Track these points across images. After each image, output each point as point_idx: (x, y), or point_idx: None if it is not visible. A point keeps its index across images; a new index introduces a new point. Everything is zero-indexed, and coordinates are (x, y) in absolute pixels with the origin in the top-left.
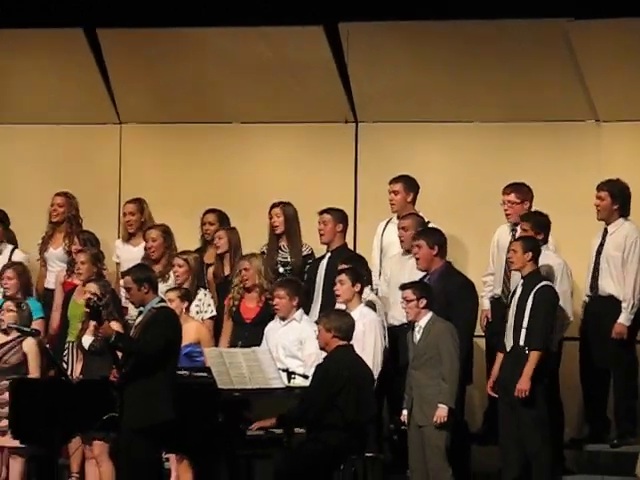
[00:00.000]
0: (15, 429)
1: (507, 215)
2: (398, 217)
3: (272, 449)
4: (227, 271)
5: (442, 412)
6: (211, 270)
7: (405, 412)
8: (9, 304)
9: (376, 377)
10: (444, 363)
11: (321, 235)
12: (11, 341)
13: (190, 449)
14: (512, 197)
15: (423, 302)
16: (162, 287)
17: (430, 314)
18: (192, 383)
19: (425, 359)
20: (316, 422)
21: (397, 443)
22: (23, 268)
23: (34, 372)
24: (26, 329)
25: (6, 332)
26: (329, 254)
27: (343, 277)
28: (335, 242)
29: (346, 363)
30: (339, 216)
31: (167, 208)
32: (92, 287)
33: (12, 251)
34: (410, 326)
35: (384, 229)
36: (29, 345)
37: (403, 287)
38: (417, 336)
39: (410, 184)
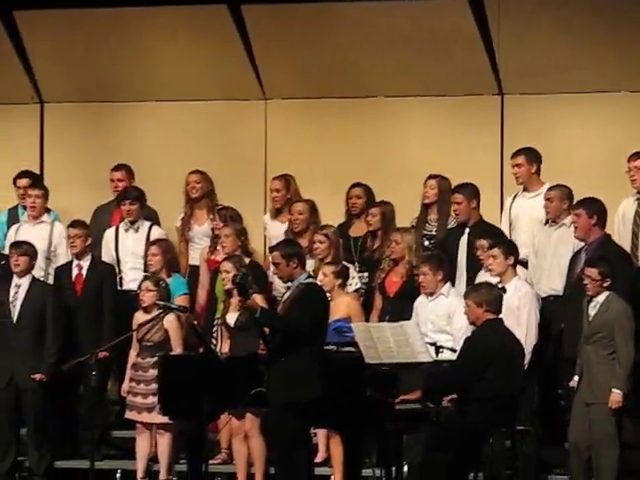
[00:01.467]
0: (164, 406)
1: (632, 181)
2: (524, 190)
3: (421, 423)
4: (377, 245)
5: (617, 397)
6: (358, 244)
7: (576, 378)
8: (148, 284)
9: (530, 350)
10: (619, 347)
11: (456, 215)
12: (153, 319)
13: (339, 424)
14: (638, 163)
15: (607, 282)
16: (308, 263)
17: (609, 292)
18: (340, 358)
19: (598, 337)
20: (465, 395)
21: (554, 414)
22: (167, 244)
23: (177, 348)
24: (174, 306)
25: (147, 310)
26: (468, 229)
27: (496, 251)
28: (472, 218)
29: (496, 336)
30: (470, 192)
31: (312, 183)
32: (227, 266)
33: (150, 228)
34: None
35: (511, 203)
36: (170, 322)
37: (590, 265)
38: (592, 312)
39: (532, 156)
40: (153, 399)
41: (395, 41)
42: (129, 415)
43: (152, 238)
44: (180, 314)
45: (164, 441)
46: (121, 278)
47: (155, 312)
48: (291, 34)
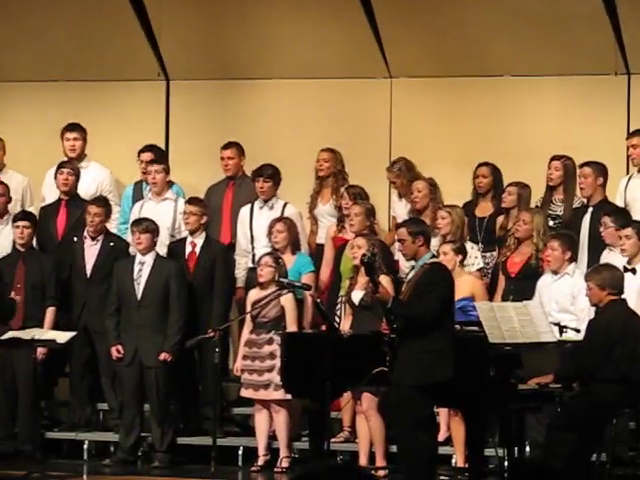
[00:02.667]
0: (287, 383)
1: None
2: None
3: (543, 402)
4: (509, 225)
5: None
6: (484, 224)
7: None
8: (267, 259)
9: None
10: None
11: (582, 189)
12: (269, 295)
13: (462, 404)
14: None
15: None
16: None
17: None
18: (464, 337)
19: None
20: (589, 376)
21: None
22: (292, 222)
23: (291, 326)
24: (297, 283)
25: (263, 286)
26: (591, 208)
27: (629, 231)
28: (596, 196)
29: (620, 317)
30: (599, 169)
31: (437, 162)
32: (360, 241)
33: (284, 206)
34: None
35: (626, 185)
36: (287, 299)
37: None
38: None
39: None
40: (268, 376)
41: (521, 20)
42: (245, 393)
43: (286, 216)
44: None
45: (280, 418)
46: (254, 255)
47: (271, 289)
48: (417, 12)
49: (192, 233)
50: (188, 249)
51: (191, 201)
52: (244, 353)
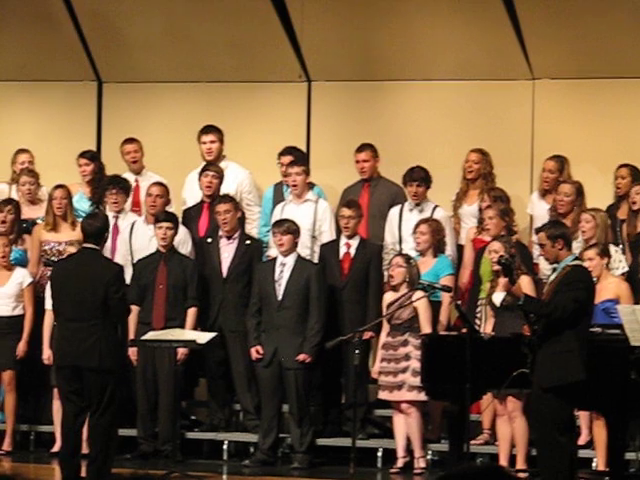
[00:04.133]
0: (426, 385)
1: None
2: None
3: None
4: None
5: None
6: (625, 227)
7: None
8: (398, 260)
9: None
10: None
11: None
12: (401, 297)
13: (603, 407)
14: None
15: None
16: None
17: None
18: (604, 340)
19: None
20: None
21: None
22: (437, 224)
23: (425, 327)
24: (438, 285)
25: (395, 289)
26: None
27: None
28: None
29: None
30: None
31: (581, 164)
32: (496, 246)
33: (434, 209)
34: None
35: None
36: (419, 300)
37: None
38: None
39: None
40: (402, 377)
41: None
42: (382, 395)
43: (434, 218)
44: (445, 293)
45: (412, 420)
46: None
47: (404, 290)
48: (559, 14)
49: (349, 237)
50: (343, 250)
51: (349, 204)
52: (382, 356)
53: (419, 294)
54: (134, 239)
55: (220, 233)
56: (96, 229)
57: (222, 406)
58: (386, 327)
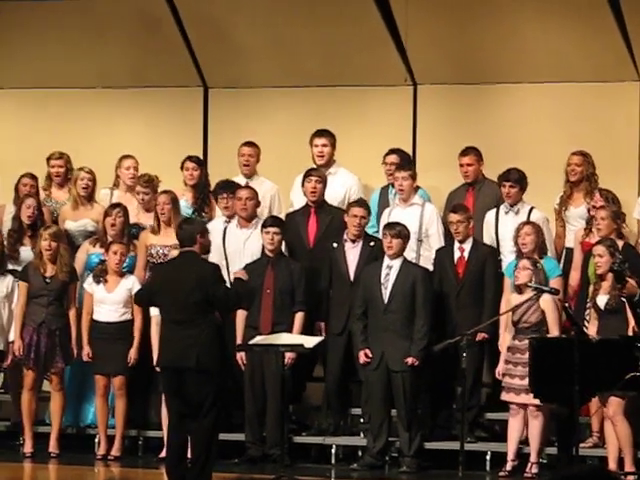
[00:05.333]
0: (535, 388)
1: None
2: None
3: None
4: None
5: None
6: None
7: None
8: (525, 263)
9: None
10: None
11: None
12: (528, 300)
13: None
14: None
15: None
16: None
17: None
18: None
19: None
20: None
21: None
22: (538, 226)
23: (553, 330)
24: (545, 287)
25: (521, 291)
26: None
27: None
28: None
29: None
30: None
31: None
32: (599, 250)
33: (530, 210)
34: None
35: None
36: (546, 303)
37: None
38: None
39: None
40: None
41: None
42: (505, 397)
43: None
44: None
45: (537, 423)
46: (499, 260)
47: (529, 293)
48: None
49: (461, 241)
50: (457, 254)
51: (455, 209)
52: (506, 358)
53: (546, 297)
54: (227, 243)
55: (345, 237)
56: (187, 233)
57: (338, 410)
58: (511, 329)
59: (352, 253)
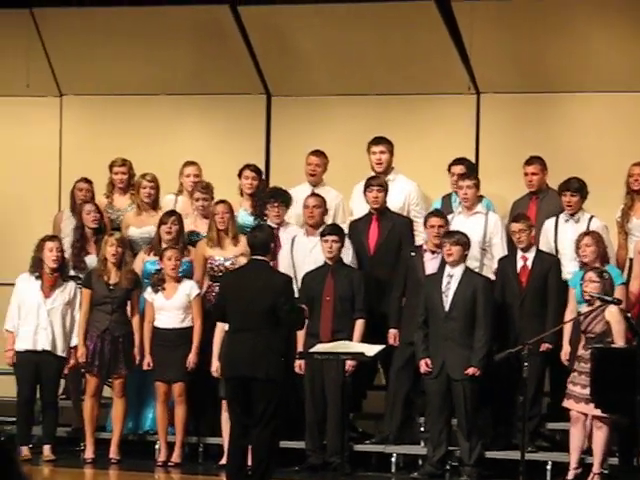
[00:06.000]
0: (596, 398)
1: None
2: None
3: None
4: None
5: None
6: None
7: None
8: (591, 275)
9: None
10: None
11: None
12: (594, 310)
13: None
14: None
15: None
16: None
17: None
18: None
19: None
20: None
21: None
22: (599, 236)
23: (619, 340)
24: (608, 298)
25: (590, 302)
26: None
27: None
28: None
29: None
30: None
31: None
32: None
33: (590, 219)
34: None
35: None
36: (612, 314)
37: None
38: None
39: None
40: None
41: None
42: (566, 404)
43: (592, 229)
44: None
45: (601, 434)
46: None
47: (596, 304)
48: None
49: (523, 249)
50: (520, 264)
51: (516, 218)
52: (575, 367)
53: (612, 308)
54: (295, 252)
55: (424, 247)
56: (261, 241)
57: (400, 419)
58: (582, 338)
59: (431, 264)
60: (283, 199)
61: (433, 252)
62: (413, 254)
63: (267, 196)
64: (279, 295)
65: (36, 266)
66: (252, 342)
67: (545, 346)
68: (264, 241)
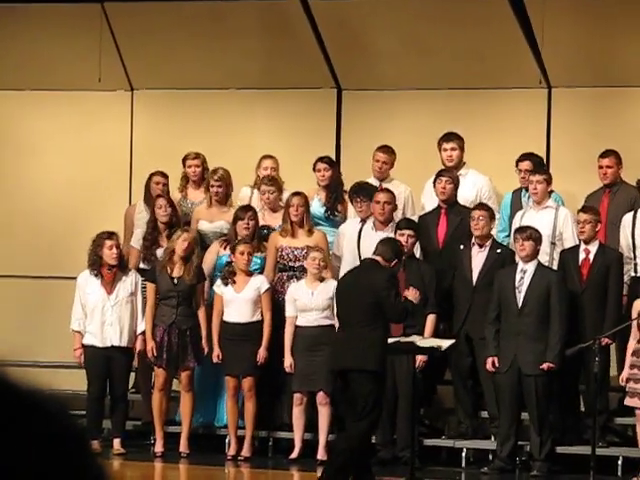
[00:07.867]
0: None
1: None
2: None
3: None
4: None
5: None
6: None
7: None
8: None
9: None
10: None
11: None
12: None
13: None
14: None
15: None
16: None
17: None
18: None
19: None
20: None
21: None
22: None
23: None
24: None
25: None
26: None
27: None
28: None
29: None
30: None
31: None
32: None
33: None
34: None
35: None
36: None
37: None
38: None
39: None
40: None
41: None
42: (629, 402)
43: None
44: None
45: None
46: (636, 264)
47: None
48: None
49: (586, 241)
50: (582, 256)
51: (585, 209)
52: (631, 362)
53: None
54: (362, 244)
55: (472, 241)
56: (387, 254)
57: (467, 414)
58: (635, 334)
59: (478, 258)
60: (367, 193)
61: (480, 246)
62: (462, 247)
63: (352, 191)
64: (381, 289)
65: (95, 264)
66: (356, 336)
67: (605, 341)
68: (394, 250)
